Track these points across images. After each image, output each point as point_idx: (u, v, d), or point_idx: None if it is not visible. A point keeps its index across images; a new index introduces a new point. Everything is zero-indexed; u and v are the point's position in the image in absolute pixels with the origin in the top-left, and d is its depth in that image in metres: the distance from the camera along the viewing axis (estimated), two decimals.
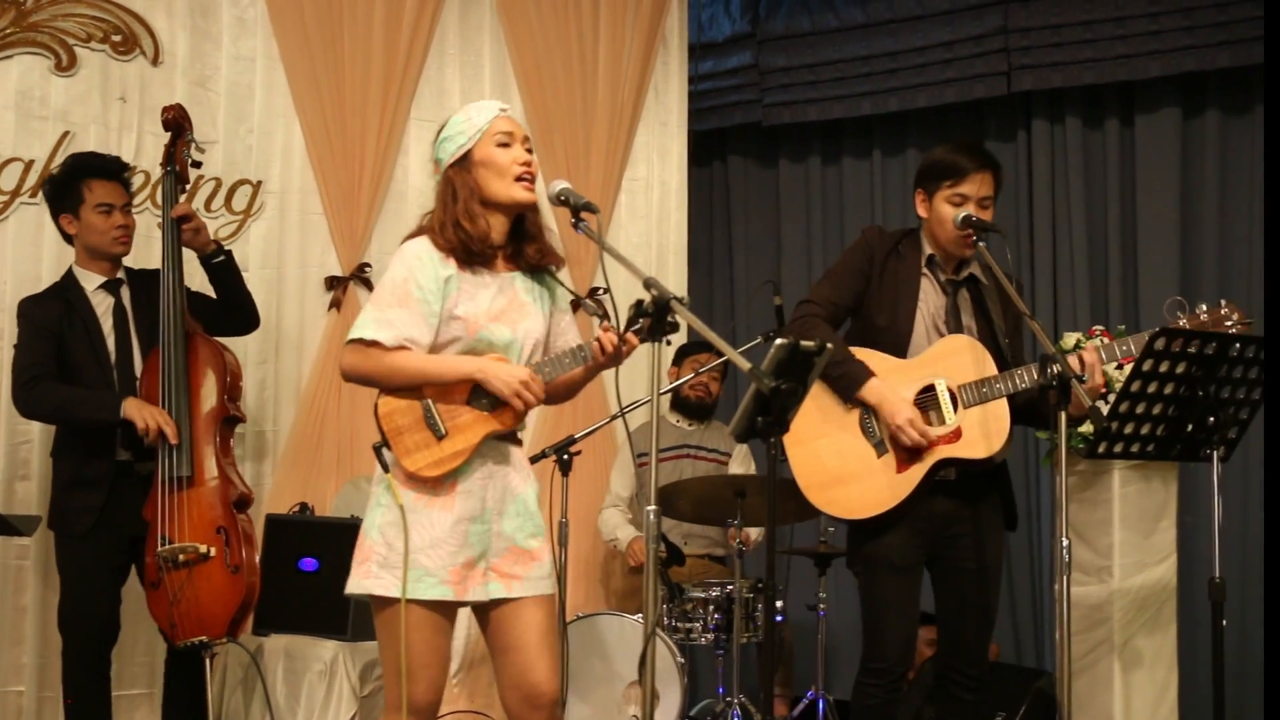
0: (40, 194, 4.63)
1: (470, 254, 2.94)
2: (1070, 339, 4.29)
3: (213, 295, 4.26)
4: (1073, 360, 3.26)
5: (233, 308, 4.25)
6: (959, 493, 3.48)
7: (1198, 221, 5.52)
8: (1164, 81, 5.52)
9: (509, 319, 2.97)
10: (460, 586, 2.88)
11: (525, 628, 2.95)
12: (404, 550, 2.84)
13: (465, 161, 2.98)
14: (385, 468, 2.92)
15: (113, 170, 4.16)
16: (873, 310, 3.56)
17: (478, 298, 2.95)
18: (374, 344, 2.90)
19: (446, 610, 2.93)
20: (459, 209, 2.95)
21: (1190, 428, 3.37)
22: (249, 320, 4.35)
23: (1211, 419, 3.33)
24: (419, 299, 2.91)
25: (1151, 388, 3.29)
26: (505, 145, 2.97)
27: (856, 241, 3.66)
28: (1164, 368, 3.25)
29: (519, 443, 3.07)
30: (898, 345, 3.52)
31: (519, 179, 2.95)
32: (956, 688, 3.53)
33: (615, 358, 2.91)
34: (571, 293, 3.07)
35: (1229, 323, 3.29)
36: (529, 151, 3.00)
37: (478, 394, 2.92)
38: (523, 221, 3.02)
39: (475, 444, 2.90)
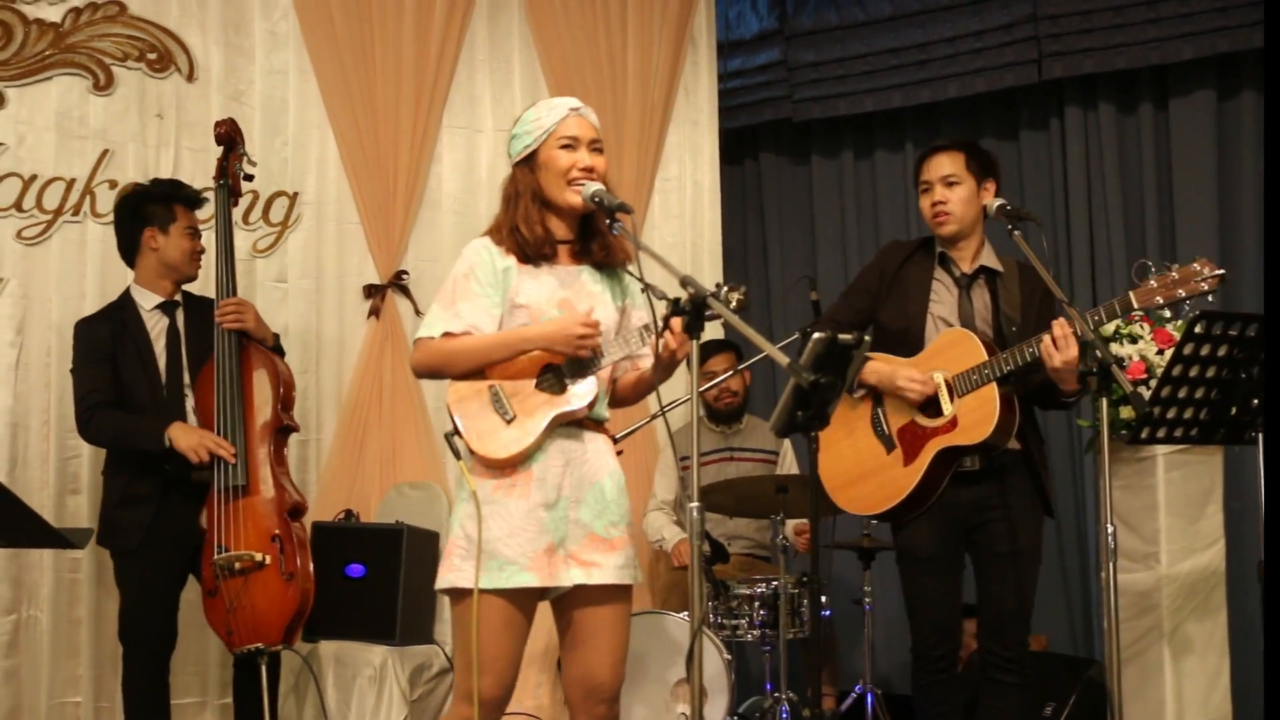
0: (81, 210, 4.72)
1: (528, 255, 2.98)
2: (1109, 326, 4.26)
3: None
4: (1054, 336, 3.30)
5: None
6: (984, 481, 3.55)
7: (1236, 204, 5.46)
8: (1198, 64, 5.46)
9: (576, 306, 2.99)
10: (545, 572, 2.89)
11: (598, 622, 2.97)
12: (478, 540, 2.86)
13: (531, 161, 3.01)
14: (457, 454, 2.93)
15: (195, 201, 4.27)
16: (886, 319, 3.69)
17: (540, 287, 2.98)
18: (442, 337, 2.96)
19: (525, 603, 2.93)
20: (519, 212, 2.99)
21: (1234, 410, 3.34)
22: None
23: (1255, 401, 3.31)
24: (479, 292, 2.96)
25: (1193, 371, 3.27)
26: (569, 148, 2.98)
27: (873, 258, 3.83)
28: (1205, 351, 3.23)
29: (604, 430, 3.07)
30: (912, 346, 3.62)
31: (571, 182, 2.96)
32: (996, 670, 3.58)
33: (672, 357, 2.90)
34: (640, 280, 2.98)
35: (1199, 279, 3.24)
36: (598, 154, 3.01)
37: (545, 375, 2.94)
38: (592, 219, 3.03)
39: (544, 425, 2.91)
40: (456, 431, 2.94)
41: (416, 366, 3.04)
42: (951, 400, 3.50)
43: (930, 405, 3.56)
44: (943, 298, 3.64)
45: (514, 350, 2.94)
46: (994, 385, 3.44)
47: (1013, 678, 3.56)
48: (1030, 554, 3.57)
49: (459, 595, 2.91)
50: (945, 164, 3.65)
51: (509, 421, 2.92)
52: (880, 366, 3.60)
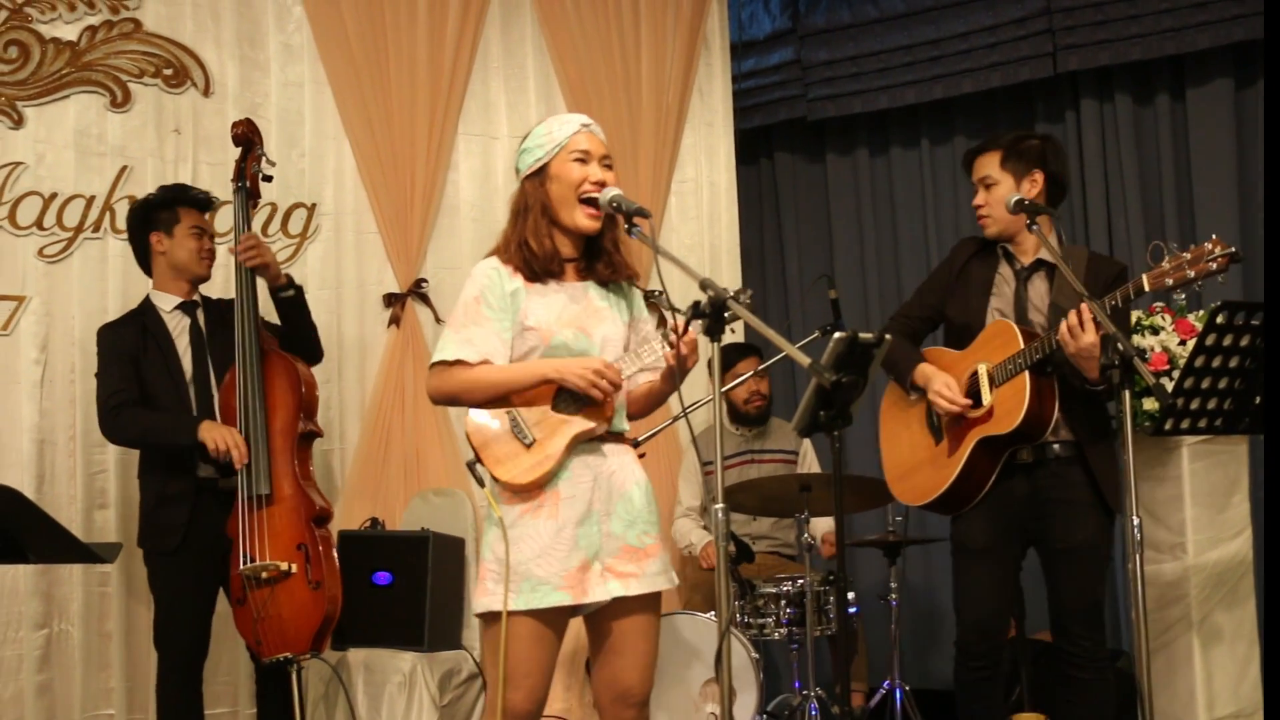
0: (101, 226, 4.75)
1: (535, 271, 2.99)
2: (1131, 317, 4.25)
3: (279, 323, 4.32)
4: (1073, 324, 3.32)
5: (296, 341, 4.29)
6: (1036, 473, 3.55)
7: (1255, 193, 5.42)
8: (1214, 53, 5.45)
9: (584, 325, 2.99)
10: (578, 589, 2.90)
11: (633, 630, 2.99)
12: (505, 561, 2.88)
13: (541, 175, 3.01)
14: (481, 483, 2.96)
15: (204, 204, 4.30)
16: (953, 314, 3.74)
17: (548, 308, 2.98)
18: (456, 363, 2.96)
19: (556, 619, 2.95)
20: (527, 226, 3.00)
21: (1257, 400, 3.33)
22: (311, 355, 4.37)
23: None
24: (490, 317, 2.97)
25: (1216, 362, 3.27)
26: (581, 161, 2.99)
27: (948, 255, 3.88)
28: (1227, 341, 3.22)
29: (626, 441, 3.08)
30: (972, 339, 3.65)
31: (583, 199, 2.97)
32: (1068, 667, 3.56)
33: (681, 363, 2.91)
34: (646, 293, 3.05)
35: (1210, 259, 3.21)
36: (608, 169, 3.01)
37: (561, 397, 2.95)
38: (597, 237, 3.04)
39: (564, 446, 2.92)
40: (479, 459, 2.96)
41: (433, 393, 3.05)
42: (990, 390, 3.53)
43: (974, 396, 3.59)
44: (1002, 291, 3.66)
45: (532, 381, 2.95)
46: (1025, 374, 3.44)
47: (1084, 674, 3.53)
48: (1088, 550, 3.53)
49: (493, 618, 2.93)
50: (981, 166, 3.68)
51: (529, 446, 2.93)
52: (926, 369, 3.68)
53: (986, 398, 3.53)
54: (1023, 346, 3.46)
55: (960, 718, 3.72)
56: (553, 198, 2.99)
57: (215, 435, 3.94)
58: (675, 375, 2.96)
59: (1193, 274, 3.22)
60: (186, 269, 4.19)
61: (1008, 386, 3.47)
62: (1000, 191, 3.61)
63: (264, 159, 4.29)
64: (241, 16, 5.08)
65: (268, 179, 4.34)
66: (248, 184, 4.25)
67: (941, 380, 3.61)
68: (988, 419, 3.53)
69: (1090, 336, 3.27)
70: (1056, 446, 3.54)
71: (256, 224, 4.99)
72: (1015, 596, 3.87)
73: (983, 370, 3.55)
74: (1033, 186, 3.61)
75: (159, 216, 4.19)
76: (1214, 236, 3.25)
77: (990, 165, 3.65)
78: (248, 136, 4.27)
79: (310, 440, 4.22)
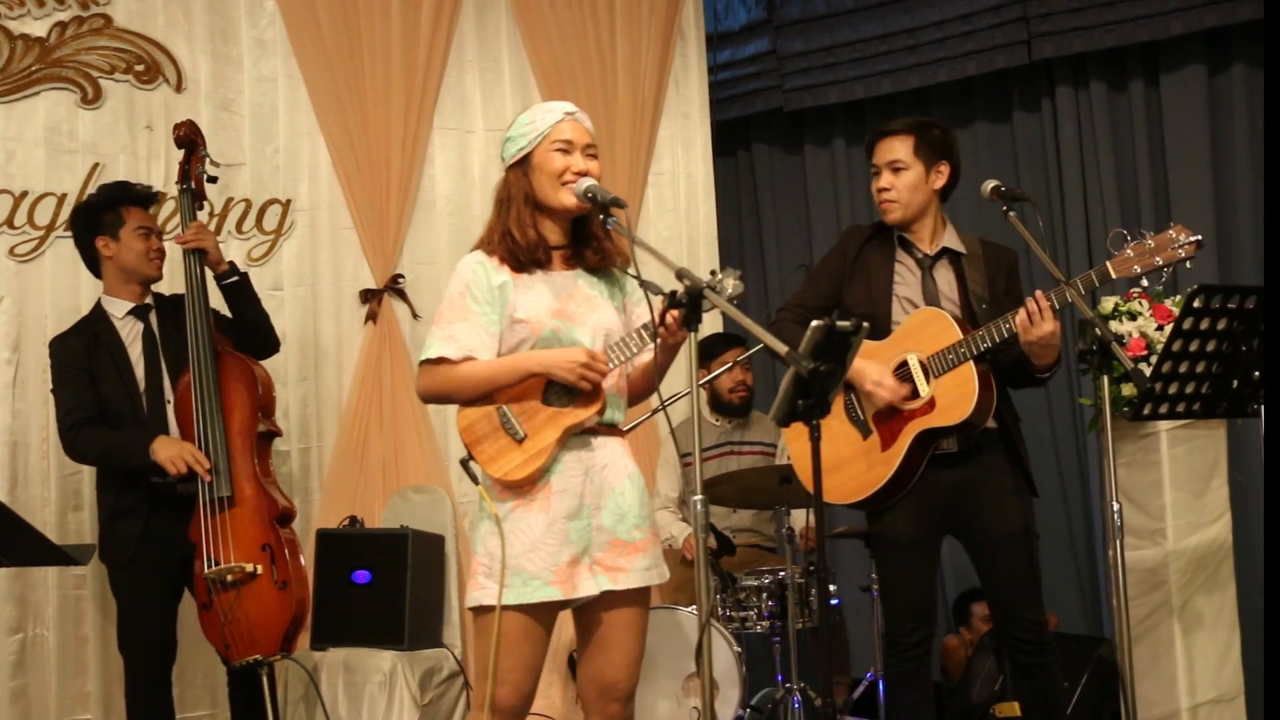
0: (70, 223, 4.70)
1: (521, 262, 2.97)
2: (1108, 303, 4.26)
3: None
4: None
5: (248, 331, 4.25)
6: (963, 463, 3.50)
7: (1230, 178, 5.45)
8: (1187, 39, 5.46)
9: (574, 315, 2.97)
10: (568, 585, 2.89)
11: (621, 625, 2.98)
12: (499, 557, 2.87)
13: (525, 163, 2.99)
14: (475, 480, 2.95)
15: (146, 199, 4.23)
16: (850, 303, 3.61)
17: (537, 299, 2.96)
18: (441, 361, 2.94)
19: (546, 615, 2.93)
20: (511, 216, 2.98)
21: (1235, 383, 3.33)
22: (266, 344, 4.32)
23: (1256, 373, 3.30)
24: (477, 311, 2.95)
25: (1193, 346, 3.26)
26: (564, 151, 2.97)
27: (835, 243, 3.76)
28: (1204, 325, 3.21)
29: (619, 433, 3.06)
30: (877, 329, 3.52)
31: (565, 184, 2.95)
32: (1019, 654, 3.55)
33: (672, 336, 2.88)
34: (636, 278, 2.96)
35: (1176, 245, 3.21)
36: (592, 158, 3.00)
37: (552, 390, 2.94)
38: (584, 223, 3.02)
39: (555, 440, 2.91)
40: (471, 456, 2.95)
41: (423, 393, 3.05)
42: (927, 381, 3.45)
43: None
44: (906, 279, 3.58)
45: (519, 375, 2.94)
46: (971, 364, 3.39)
47: (1037, 658, 3.51)
48: (1024, 533, 3.51)
49: (485, 612, 2.92)
50: (893, 148, 3.58)
51: (520, 441, 2.92)
52: (855, 362, 3.47)
53: (924, 388, 3.45)
54: (961, 336, 3.40)
55: (891, 710, 3.66)
56: (535, 187, 2.98)
57: (170, 454, 3.91)
58: (670, 348, 2.94)
59: (1160, 261, 3.22)
60: (136, 271, 4.13)
61: (950, 377, 3.40)
62: (909, 178, 3.54)
63: (208, 160, 4.25)
64: (213, 11, 5.04)
65: (212, 180, 4.31)
66: (193, 185, 4.22)
67: (876, 370, 3.47)
68: (928, 410, 3.44)
69: (1050, 324, 3.25)
70: (980, 435, 3.49)
71: (230, 221, 4.97)
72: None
73: (914, 360, 3.47)
74: (938, 177, 3.58)
75: (103, 220, 4.13)
76: (1175, 224, 3.26)
77: (903, 149, 3.56)
78: (190, 138, 4.23)
79: (270, 440, 4.19)
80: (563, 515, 2.91)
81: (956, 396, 3.41)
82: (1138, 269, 3.25)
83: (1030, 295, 3.31)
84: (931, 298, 3.55)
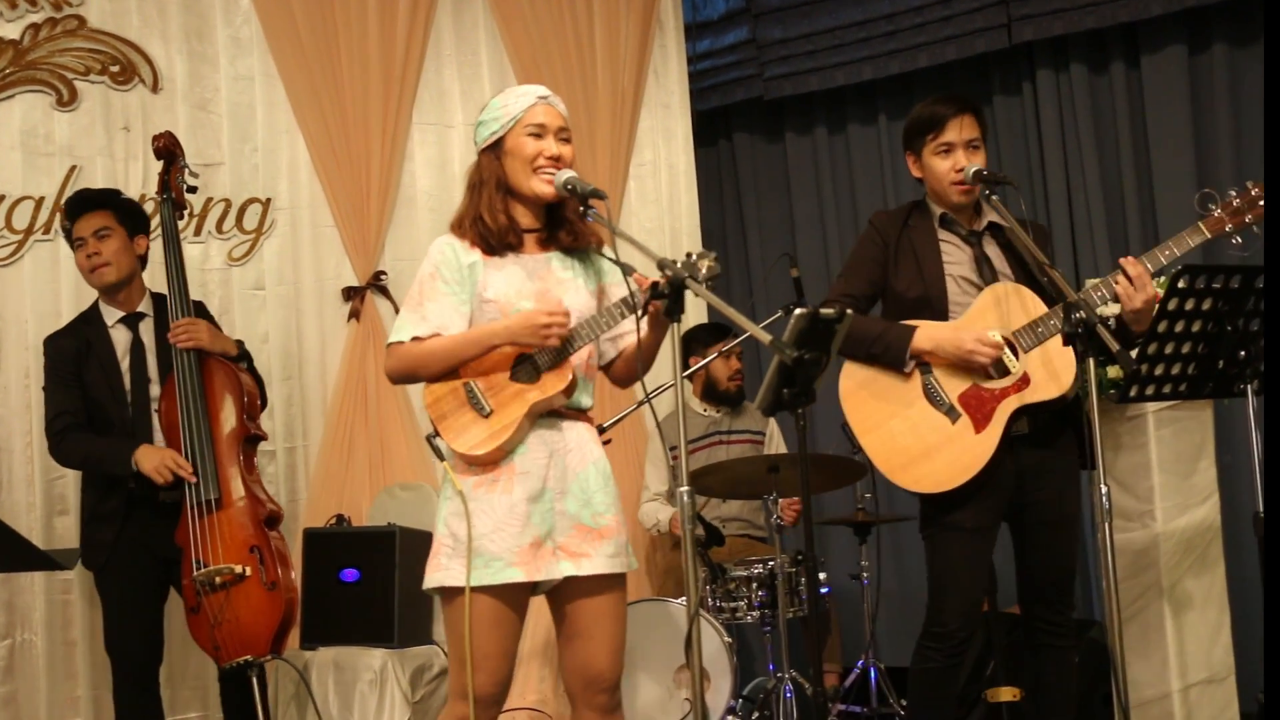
0: (54, 230, 4.68)
1: (491, 245, 2.96)
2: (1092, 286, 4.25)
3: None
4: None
5: None
6: (1037, 444, 3.42)
7: (1212, 158, 5.45)
8: (1167, 19, 5.45)
9: (548, 297, 2.95)
10: (530, 566, 2.87)
11: (593, 613, 2.95)
12: (468, 537, 2.84)
13: (497, 148, 2.98)
14: (440, 456, 2.93)
15: (87, 201, 4.16)
16: (901, 289, 3.50)
17: (508, 280, 2.95)
18: (411, 341, 2.94)
19: (515, 598, 2.90)
20: (482, 200, 2.97)
21: (1221, 364, 3.33)
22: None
23: (1242, 353, 3.30)
24: (446, 291, 2.95)
25: (1179, 327, 3.26)
26: (537, 135, 2.95)
27: (865, 231, 3.63)
28: (1190, 305, 3.21)
29: (587, 419, 3.04)
30: (936, 311, 3.45)
31: (538, 170, 2.93)
32: (1047, 636, 3.50)
33: (657, 319, 2.85)
34: (615, 261, 2.89)
35: (1262, 202, 3.23)
36: (565, 143, 2.98)
37: (520, 366, 2.92)
38: (559, 207, 3.01)
39: (522, 415, 2.88)
40: (437, 432, 2.93)
41: (390, 373, 3.03)
42: (1016, 357, 3.36)
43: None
44: (956, 257, 3.49)
45: (483, 347, 2.92)
46: (1060, 336, 3.30)
47: (1063, 641, 3.49)
48: (1074, 518, 3.47)
49: (449, 594, 2.90)
50: (972, 126, 3.46)
51: (486, 417, 2.90)
52: (936, 333, 3.37)
53: (1014, 366, 3.35)
54: (1047, 309, 3.33)
55: (917, 707, 3.54)
56: (508, 172, 2.96)
57: (154, 465, 3.90)
58: (660, 325, 2.89)
59: (1249, 219, 3.25)
60: (93, 284, 4.12)
61: (1039, 352, 3.33)
62: (980, 159, 3.46)
63: (187, 170, 4.23)
64: (188, 10, 5.01)
65: (192, 190, 4.29)
66: (173, 195, 4.19)
67: (969, 340, 3.30)
68: (1022, 387, 3.35)
69: (1152, 289, 3.22)
70: (1049, 414, 3.41)
71: (210, 222, 4.94)
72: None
73: (998, 337, 3.35)
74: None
75: (71, 237, 4.13)
76: (1250, 182, 3.30)
77: (979, 128, 3.49)
78: (169, 149, 4.21)
79: (255, 443, 4.18)
80: (524, 497, 2.88)
81: (1056, 368, 3.33)
82: (1229, 227, 3.27)
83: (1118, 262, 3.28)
84: (989, 274, 3.46)
